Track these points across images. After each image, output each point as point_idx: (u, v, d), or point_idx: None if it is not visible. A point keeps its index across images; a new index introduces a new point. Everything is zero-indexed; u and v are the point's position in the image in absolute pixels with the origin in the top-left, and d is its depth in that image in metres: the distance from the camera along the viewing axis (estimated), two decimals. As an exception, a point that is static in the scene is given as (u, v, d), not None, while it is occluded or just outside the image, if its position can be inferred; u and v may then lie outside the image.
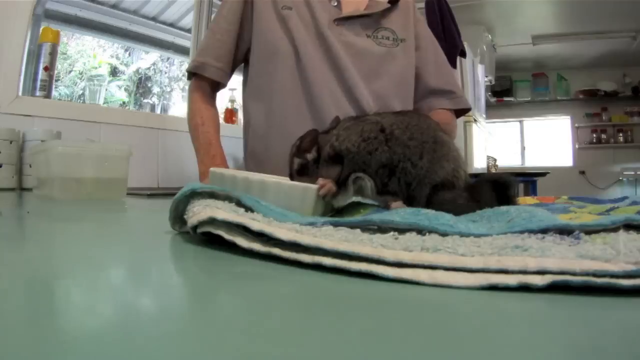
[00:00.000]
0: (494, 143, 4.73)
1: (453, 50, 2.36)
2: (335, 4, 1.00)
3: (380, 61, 0.99)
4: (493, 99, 5.23)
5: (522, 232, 0.28)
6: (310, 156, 0.48)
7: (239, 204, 0.35)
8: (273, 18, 0.98)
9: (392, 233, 0.28)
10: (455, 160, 0.46)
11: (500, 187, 0.46)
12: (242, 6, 1.01)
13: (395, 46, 1.02)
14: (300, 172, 0.49)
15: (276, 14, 0.98)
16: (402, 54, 1.02)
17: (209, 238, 0.33)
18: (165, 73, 2.33)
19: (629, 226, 0.28)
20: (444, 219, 0.31)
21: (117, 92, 2.13)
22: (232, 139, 1.39)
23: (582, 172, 5.16)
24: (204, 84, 1.02)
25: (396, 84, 1.00)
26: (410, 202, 0.45)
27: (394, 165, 0.45)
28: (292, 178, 0.50)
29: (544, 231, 0.27)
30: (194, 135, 1.00)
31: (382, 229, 0.30)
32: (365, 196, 0.47)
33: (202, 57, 1.00)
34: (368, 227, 0.31)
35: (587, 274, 0.21)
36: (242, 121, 1.38)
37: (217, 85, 1.04)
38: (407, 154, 0.45)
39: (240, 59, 1.04)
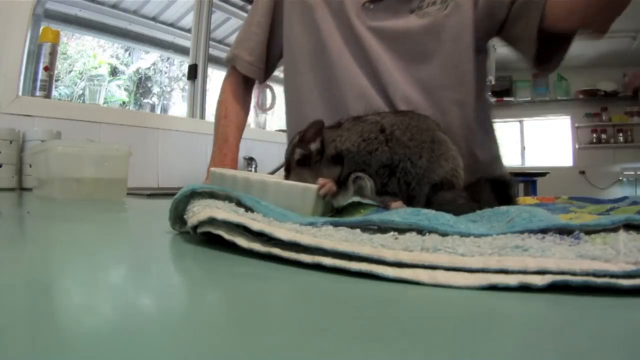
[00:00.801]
0: (494, 143, 4.72)
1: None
2: None
3: (423, 40, 0.77)
4: (493, 99, 5.23)
5: (522, 232, 0.28)
6: (313, 146, 0.48)
7: (239, 204, 0.35)
8: (299, 9, 0.87)
9: (392, 233, 0.28)
10: (454, 159, 0.47)
11: (500, 187, 0.46)
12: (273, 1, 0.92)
13: (444, 9, 0.77)
14: (301, 163, 0.48)
15: (303, 4, 0.86)
16: (453, 17, 0.76)
17: (208, 238, 0.33)
18: (165, 73, 2.33)
19: (629, 226, 0.28)
20: (444, 219, 0.31)
21: (117, 92, 2.13)
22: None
23: (582, 172, 5.16)
24: (237, 75, 0.97)
25: (447, 64, 0.77)
26: (409, 201, 0.46)
27: (395, 165, 0.45)
28: (289, 169, 0.50)
29: (544, 231, 0.27)
30: (215, 126, 0.96)
31: (382, 229, 0.30)
32: (365, 196, 0.47)
33: (235, 49, 0.95)
34: (368, 227, 0.31)
35: (587, 274, 0.21)
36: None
37: (251, 79, 0.99)
38: (407, 154, 0.45)
39: (277, 54, 0.95)
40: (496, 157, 0.87)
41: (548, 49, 0.72)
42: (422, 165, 0.45)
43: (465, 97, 0.77)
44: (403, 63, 0.77)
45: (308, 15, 0.84)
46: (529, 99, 5.39)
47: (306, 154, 0.48)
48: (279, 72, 1.03)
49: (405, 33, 0.78)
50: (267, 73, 0.98)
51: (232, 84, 0.98)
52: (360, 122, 0.48)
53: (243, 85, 0.99)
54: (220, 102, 0.98)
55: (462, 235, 0.28)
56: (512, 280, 0.22)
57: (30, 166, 1.13)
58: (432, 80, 0.77)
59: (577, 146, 5.29)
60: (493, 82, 4.58)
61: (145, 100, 2.26)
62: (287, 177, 0.50)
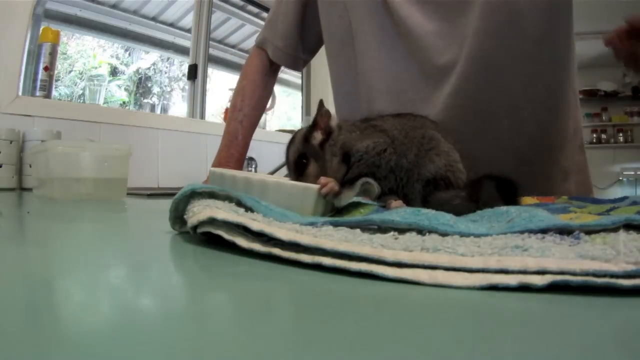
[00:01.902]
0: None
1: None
2: None
3: None
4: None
5: (522, 232, 0.28)
6: (333, 122, 0.48)
7: (239, 204, 0.35)
8: (328, 8, 0.77)
9: (392, 233, 0.28)
10: (447, 154, 0.46)
11: (506, 187, 0.46)
12: None
13: None
14: (322, 144, 0.48)
15: None
16: None
17: (208, 238, 0.33)
18: (165, 73, 2.33)
19: (629, 226, 0.28)
20: (444, 218, 0.31)
21: (117, 92, 2.13)
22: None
23: (582, 172, 5.16)
24: (263, 59, 0.88)
25: (493, 9, 0.62)
26: (404, 199, 0.46)
27: (397, 166, 0.46)
28: (304, 157, 0.49)
29: (544, 231, 0.27)
30: (228, 116, 0.89)
31: (382, 229, 0.30)
32: (369, 198, 0.48)
33: (267, 31, 0.86)
34: (368, 227, 0.31)
35: (587, 274, 0.21)
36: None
37: (277, 65, 0.90)
38: (403, 151, 0.46)
39: (314, 39, 0.85)
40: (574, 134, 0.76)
41: None
42: (411, 160, 0.46)
43: (532, 64, 0.63)
44: (442, 21, 0.65)
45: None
46: (529, 99, 5.38)
47: (328, 134, 0.48)
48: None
49: None
50: (303, 60, 0.88)
51: (255, 71, 0.88)
52: (370, 126, 0.49)
53: (268, 72, 0.90)
54: (238, 91, 0.89)
55: (462, 235, 0.28)
56: (512, 280, 0.22)
57: (30, 166, 1.13)
58: (490, 58, 0.62)
59: (577, 146, 5.29)
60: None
61: (145, 100, 2.26)
62: (302, 169, 0.48)
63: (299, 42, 0.86)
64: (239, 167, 0.89)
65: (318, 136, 0.49)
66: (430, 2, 0.68)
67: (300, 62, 0.89)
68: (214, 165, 0.86)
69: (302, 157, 0.49)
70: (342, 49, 0.77)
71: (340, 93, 0.81)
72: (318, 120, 0.48)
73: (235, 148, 0.87)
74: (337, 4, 0.76)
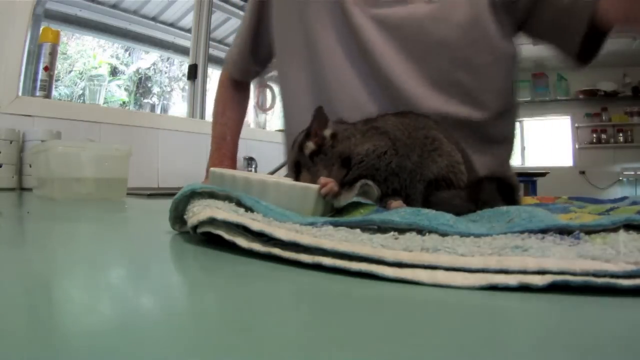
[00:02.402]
0: (494, 143, 4.72)
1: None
2: None
3: (431, 29, 0.67)
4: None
5: (522, 232, 0.28)
6: (327, 132, 0.47)
7: (239, 204, 0.35)
8: (290, 3, 0.79)
9: (392, 233, 0.28)
10: (450, 155, 0.46)
11: (505, 190, 0.46)
12: None
13: None
14: (315, 154, 0.48)
15: (294, 4, 0.78)
16: (466, 1, 0.66)
17: (208, 238, 0.33)
18: (165, 73, 2.33)
19: (629, 226, 0.28)
20: (444, 218, 0.31)
21: (117, 92, 2.13)
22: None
23: (582, 172, 5.16)
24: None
25: (457, 57, 0.67)
26: (406, 199, 0.46)
27: (400, 167, 0.46)
28: (298, 169, 0.49)
29: (544, 231, 0.27)
30: (212, 124, 0.96)
31: (382, 229, 0.30)
32: (369, 200, 0.47)
33: (230, 52, 0.95)
34: (368, 227, 0.31)
35: (587, 274, 0.21)
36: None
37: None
38: (406, 152, 0.46)
39: (265, 53, 0.91)
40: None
41: (587, 43, 0.65)
42: (415, 161, 0.46)
43: (484, 96, 0.67)
44: (408, 55, 0.68)
45: (299, 10, 0.76)
46: (529, 99, 5.38)
47: (320, 144, 0.47)
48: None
49: (410, 20, 0.68)
50: (255, 72, 0.96)
51: (228, 82, 0.97)
52: (372, 128, 0.48)
53: (239, 83, 0.98)
54: (217, 100, 0.97)
55: (462, 235, 0.28)
56: (512, 280, 0.22)
57: (30, 166, 1.13)
58: (443, 74, 0.67)
59: (577, 146, 5.29)
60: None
61: (145, 100, 2.26)
62: (296, 178, 0.49)
63: (249, 58, 0.92)
64: (233, 165, 0.92)
65: (310, 146, 0.48)
66: (400, 39, 0.69)
67: (251, 73, 0.97)
68: (208, 167, 0.90)
69: (297, 164, 0.50)
70: (300, 60, 0.78)
71: (294, 106, 0.81)
72: (312, 129, 0.48)
73: (226, 148, 0.92)
74: (293, 17, 0.78)
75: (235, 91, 0.98)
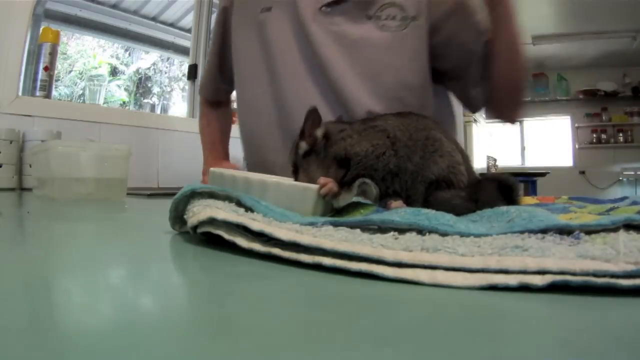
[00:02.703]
0: (494, 143, 4.73)
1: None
2: None
3: (383, 53, 0.75)
4: (493, 99, 5.22)
5: (522, 232, 0.28)
6: (319, 132, 0.48)
7: (239, 204, 0.35)
8: (248, 27, 0.85)
9: (392, 233, 0.28)
10: (450, 156, 0.46)
11: (504, 190, 0.46)
12: (222, 19, 0.95)
13: (403, 28, 0.75)
14: (307, 154, 0.48)
15: (253, 21, 0.84)
16: (413, 38, 0.75)
17: (208, 238, 0.33)
18: (165, 73, 2.33)
19: (629, 226, 0.28)
20: (444, 218, 0.31)
21: (117, 92, 2.13)
22: (232, 139, 1.40)
23: (582, 172, 5.16)
24: None
25: (405, 83, 0.76)
26: (407, 200, 0.46)
27: (400, 168, 0.46)
28: (296, 169, 0.50)
29: (544, 231, 0.27)
30: (201, 137, 1.04)
31: (382, 229, 0.30)
32: (367, 199, 0.47)
33: (203, 77, 1.05)
34: (368, 227, 0.31)
35: (587, 274, 0.21)
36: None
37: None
38: (407, 154, 0.46)
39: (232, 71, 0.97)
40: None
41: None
42: (417, 163, 0.46)
43: (423, 108, 0.75)
44: (362, 72, 0.75)
45: (259, 26, 0.82)
46: (529, 99, 5.39)
47: (312, 144, 0.48)
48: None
49: (366, 41, 0.76)
50: (225, 91, 1.04)
51: (205, 103, 1.06)
52: (369, 127, 0.48)
53: (215, 102, 1.06)
54: (201, 115, 1.07)
55: (462, 235, 0.28)
56: (512, 280, 0.22)
57: (30, 166, 1.13)
58: (390, 94, 0.75)
59: (577, 146, 5.30)
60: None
61: (145, 100, 2.25)
62: (295, 178, 0.50)
63: (219, 76, 0.99)
64: (227, 164, 0.96)
65: (303, 146, 0.49)
66: (355, 57, 0.76)
67: (222, 91, 1.04)
68: (204, 170, 0.95)
69: (294, 165, 0.50)
70: (260, 74, 0.83)
71: (253, 117, 0.86)
72: (305, 129, 0.48)
73: (217, 151, 1.00)
74: (252, 33, 0.83)
75: (214, 109, 1.06)
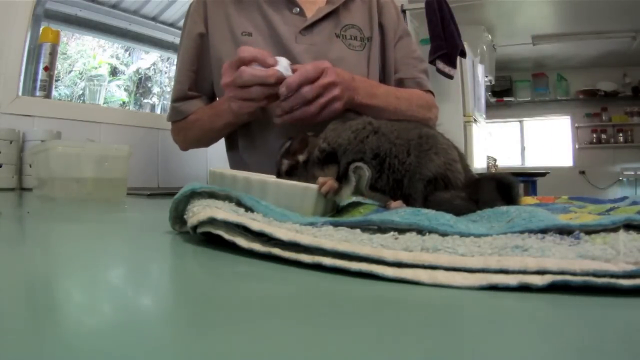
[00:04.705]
0: (494, 143, 4.73)
1: (453, 50, 2.36)
2: (297, 10, 0.91)
3: (353, 70, 0.83)
4: (493, 99, 5.23)
5: (522, 232, 0.28)
6: (301, 157, 0.50)
7: (239, 204, 0.35)
8: (230, 45, 0.90)
9: (392, 233, 0.28)
10: (446, 152, 0.47)
11: (503, 189, 0.46)
12: (197, 44, 0.95)
13: (362, 48, 0.92)
14: (289, 173, 0.50)
15: (235, 40, 0.90)
16: (369, 58, 0.92)
17: (208, 238, 0.33)
18: (165, 73, 2.33)
19: (629, 226, 0.28)
20: (444, 218, 0.31)
21: (117, 92, 2.13)
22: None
23: (582, 172, 5.16)
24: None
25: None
26: (406, 200, 0.46)
27: (382, 157, 0.46)
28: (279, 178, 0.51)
29: (544, 231, 0.27)
30: (200, 127, 0.97)
31: (382, 229, 0.30)
32: (365, 187, 0.47)
33: (175, 103, 0.99)
34: (368, 227, 0.31)
35: (587, 274, 0.21)
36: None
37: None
38: (393, 151, 0.46)
39: (209, 85, 0.99)
40: None
41: None
42: (412, 161, 0.46)
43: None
44: None
45: (238, 44, 0.86)
46: (529, 99, 5.39)
47: (293, 164, 0.50)
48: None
49: (341, 60, 0.87)
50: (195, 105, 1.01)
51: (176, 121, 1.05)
52: (347, 120, 0.50)
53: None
54: (177, 131, 1.04)
55: (462, 235, 0.28)
56: (512, 280, 0.22)
57: (30, 166, 1.13)
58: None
59: (577, 146, 5.30)
60: (493, 82, 4.59)
61: (145, 100, 2.25)
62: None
63: (194, 89, 0.99)
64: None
65: (286, 162, 0.51)
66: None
67: (193, 105, 1.00)
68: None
69: (278, 174, 0.52)
70: None
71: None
72: (290, 149, 0.50)
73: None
74: (232, 51, 0.85)
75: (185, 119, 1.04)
